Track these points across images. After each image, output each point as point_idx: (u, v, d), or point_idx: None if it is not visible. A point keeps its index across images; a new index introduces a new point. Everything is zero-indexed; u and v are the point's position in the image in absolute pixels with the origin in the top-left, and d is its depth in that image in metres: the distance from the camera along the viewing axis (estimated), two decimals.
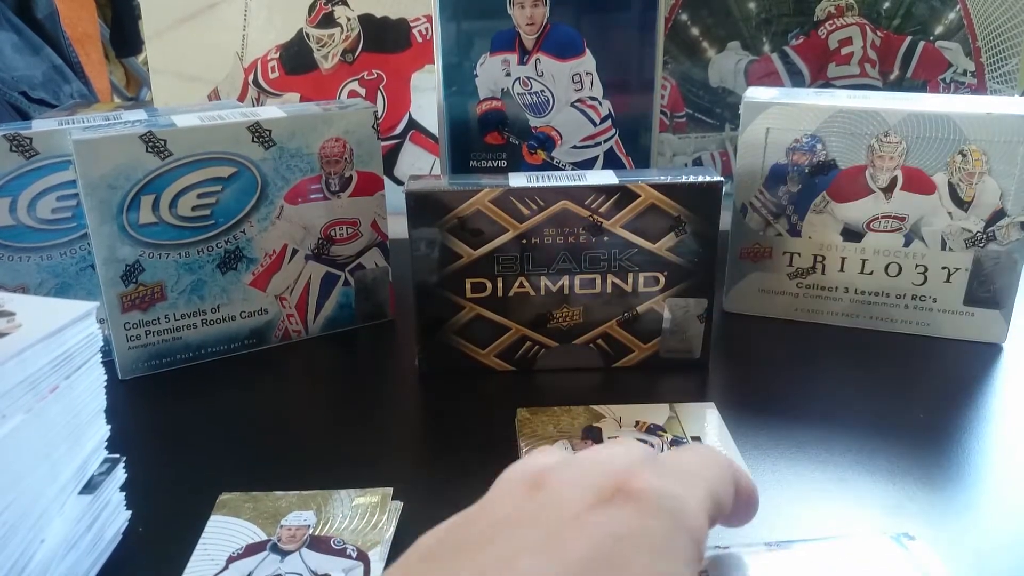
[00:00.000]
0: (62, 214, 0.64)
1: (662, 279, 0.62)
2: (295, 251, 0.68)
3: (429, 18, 0.81)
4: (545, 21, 0.67)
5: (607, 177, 0.61)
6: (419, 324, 0.63)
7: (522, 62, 0.69)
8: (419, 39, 0.87)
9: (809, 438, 0.56)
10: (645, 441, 0.53)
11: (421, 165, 0.91)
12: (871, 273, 0.69)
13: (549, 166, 0.72)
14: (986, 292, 0.66)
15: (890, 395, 0.61)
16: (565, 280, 0.62)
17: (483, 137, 0.71)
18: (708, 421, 0.56)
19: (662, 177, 0.61)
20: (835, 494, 0.50)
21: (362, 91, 0.89)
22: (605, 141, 0.72)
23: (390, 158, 0.90)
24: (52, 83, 1.36)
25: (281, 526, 0.47)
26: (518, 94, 0.70)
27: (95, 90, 1.51)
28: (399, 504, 0.49)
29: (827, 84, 0.83)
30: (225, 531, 0.47)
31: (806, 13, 0.81)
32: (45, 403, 0.41)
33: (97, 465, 0.46)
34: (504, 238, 0.60)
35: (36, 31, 1.38)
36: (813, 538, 0.42)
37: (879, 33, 0.80)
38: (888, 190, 0.66)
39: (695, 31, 0.83)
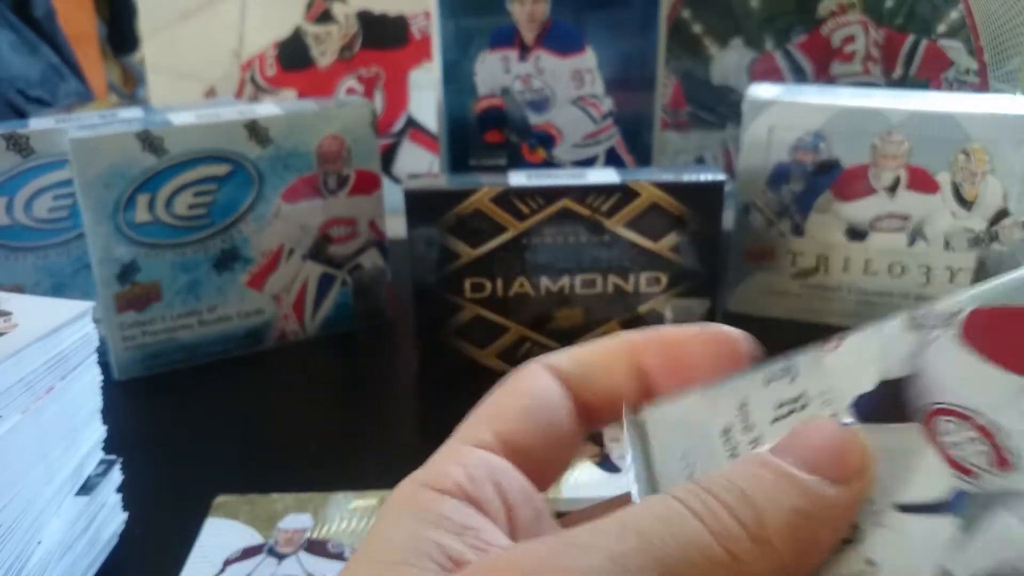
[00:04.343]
0: (58, 213, 0.63)
1: (664, 279, 0.62)
2: (292, 250, 0.68)
3: (428, 14, 0.81)
4: (546, 17, 0.67)
5: (608, 176, 0.60)
6: (418, 324, 0.62)
7: (522, 59, 0.68)
8: (417, 36, 0.86)
9: None
10: None
11: (419, 163, 0.91)
12: (875, 273, 0.68)
13: (549, 164, 0.71)
14: None
15: None
16: (565, 280, 0.61)
17: (482, 135, 0.71)
18: None
19: (664, 176, 0.60)
20: None
21: (360, 88, 0.88)
22: (606, 139, 0.71)
23: (388, 156, 0.90)
24: (49, 82, 1.35)
25: (278, 529, 0.47)
26: (518, 91, 0.69)
27: (92, 88, 1.51)
28: None
29: (830, 82, 0.83)
30: (222, 534, 0.47)
31: (808, 11, 0.80)
32: (41, 403, 0.40)
33: (93, 466, 0.45)
34: (504, 237, 0.60)
35: (34, 30, 1.38)
36: None
37: (881, 31, 0.80)
38: (891, 189, 0.66)
39: (697, 28, 0.82)
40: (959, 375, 0.22)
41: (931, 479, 0.21)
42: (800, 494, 0.19)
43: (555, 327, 0.63)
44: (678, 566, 0.17)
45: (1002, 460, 0.21)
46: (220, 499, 0.49)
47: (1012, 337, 0.22)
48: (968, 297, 0.23)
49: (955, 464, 0.21)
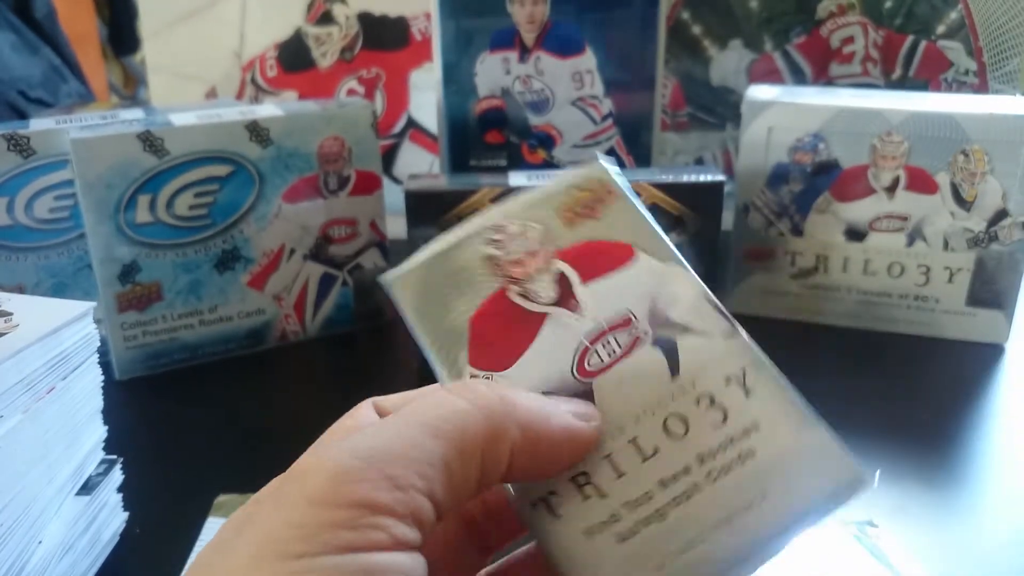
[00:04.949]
0: (59, 214, 0.63)
1: None
2: (293, 251, 0.68)
3: (428, 16, 0.81)
4: (545, 19, 0.67)
5: None
6: None
7: (522, 60, 0.69)
8: (418, 37, 0.86)
9: None
10: None
11: (420, 164, 0.91)
12: (874, 273, 0.68)
13: (550, 165, 0.72)
14: (988, 292, 0.66)
15: (892, 396, 0.61)
16: None
17: (483, 136, 0.71)
18: None
19: (663, 176, 0.60)
20: None
21: (361, 89, 0.88)
22: (606, 140, 0.71)
23: (389, 157, 0.90)
24: (50, 82, 1.36)
25: None
26: (518, 92, 0.70)
27: (93, 89, 1.51)
28: None
29: (829, 83, 0.83)
30: None
31: (808, 11, 0.80)
32: (42, 404, 0.40)
33: (94, 466, 0.45)
34: None
35: (34, 31, 1.38)
36: None
37: (881, 32, 0.80)
38: (891, 190, 0.66)
39: (696, 29, 0.83)
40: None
41: (645, 358, 0.27)
42: (551, 401, 0.25)
43: None
44: (426, 416, 0.23)
45: (632, 325, 0.28)
46: (220, 499, 0.49)
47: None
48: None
49: (634, 345, 0.28)
